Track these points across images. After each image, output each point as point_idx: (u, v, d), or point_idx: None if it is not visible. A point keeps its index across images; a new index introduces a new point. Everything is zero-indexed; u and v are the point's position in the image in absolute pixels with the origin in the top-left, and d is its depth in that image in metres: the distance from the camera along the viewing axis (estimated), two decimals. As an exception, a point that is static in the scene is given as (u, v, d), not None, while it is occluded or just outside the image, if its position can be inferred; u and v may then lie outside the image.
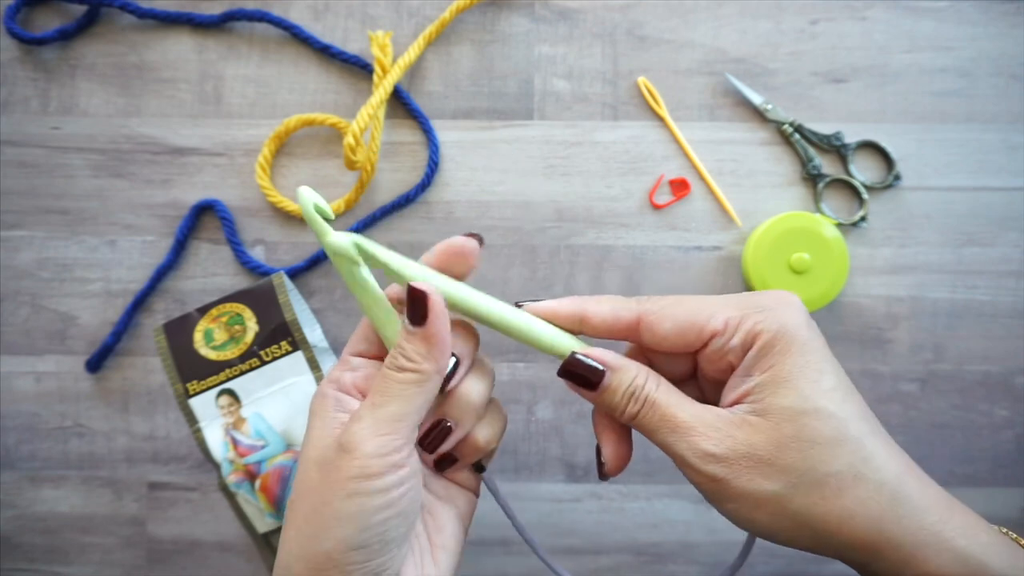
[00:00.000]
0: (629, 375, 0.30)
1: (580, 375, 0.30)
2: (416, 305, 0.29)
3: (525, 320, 0.31)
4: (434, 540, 0.32)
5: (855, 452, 0.27)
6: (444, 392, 0.31)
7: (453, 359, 0.31)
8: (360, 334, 0.32)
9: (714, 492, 0.28)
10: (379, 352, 0.32)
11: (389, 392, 0.29)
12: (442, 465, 0.32)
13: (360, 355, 0.32)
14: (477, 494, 0.35)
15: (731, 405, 0.29)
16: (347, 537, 0.27)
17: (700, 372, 0.32)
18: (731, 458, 0.28)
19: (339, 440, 0.28)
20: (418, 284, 0.29)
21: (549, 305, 0.32)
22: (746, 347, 0.29)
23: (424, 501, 0.32)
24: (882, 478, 0.27)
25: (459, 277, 0.32)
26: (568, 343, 0.32)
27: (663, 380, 0.30)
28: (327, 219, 0.30)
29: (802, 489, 0.27)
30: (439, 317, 0.29)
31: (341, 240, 0.30)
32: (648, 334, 0.30)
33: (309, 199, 0.30)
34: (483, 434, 0.32)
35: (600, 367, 0.30)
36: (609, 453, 0.32)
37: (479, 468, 0.34)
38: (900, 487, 0.27)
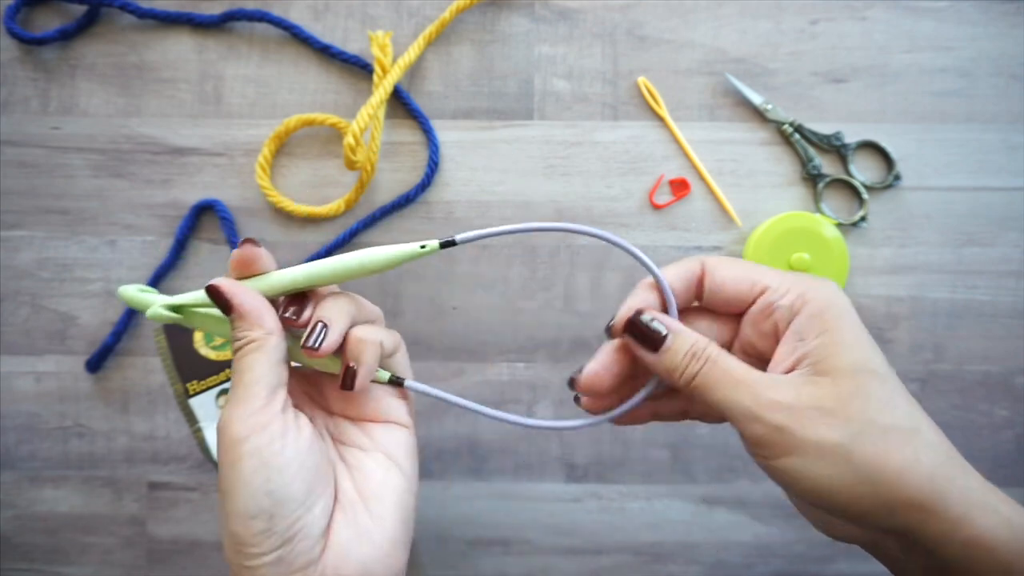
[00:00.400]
0: (691, 338, 0.31)
1: (644, 336, 0.31)
2: (215, 297, 0.31)
3: (345, 260, 0.32)
4: (364, 492, 0.32)
5: (910, 413, 0.29)
6: (305, 318, 0.32)
7: (293, 307, 0.32)
8: None
9: (776, 444, 0.29)
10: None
11: (237, 371, 0.30)
12: (347, 381, 0.32)
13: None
14: (409, 428, 0.34)
15: (786, 372, 0.30)
16: (239, 509, 0.28)
17: (741, 341, 0.33)
18: (797, 407, 0.28)
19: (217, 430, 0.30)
20: (210, 283, 0.31)
21: (632, 305, 0.32)
22: (794, 311, 0.30)
23: (345, 457, 0.33)
24: (935, 438, 0.28)
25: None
26: (389, 251, 0.32)
27: (722, 349, 0.31)
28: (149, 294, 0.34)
29: (866, 438, 0.28)
30: (236, 293, 0.31)
31: (155, 311, 0.33)
32: (709, 279, 0.32)
33: (130, 294, 0.33)
34: (364, 330, 0.32)
35: (664, 330, 0.31)
36: (596, 365, 0.32)
37: (396, 383, 0.33)
38: (951, 450, 0.28)
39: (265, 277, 0.32)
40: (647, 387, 0.33)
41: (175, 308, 0.33)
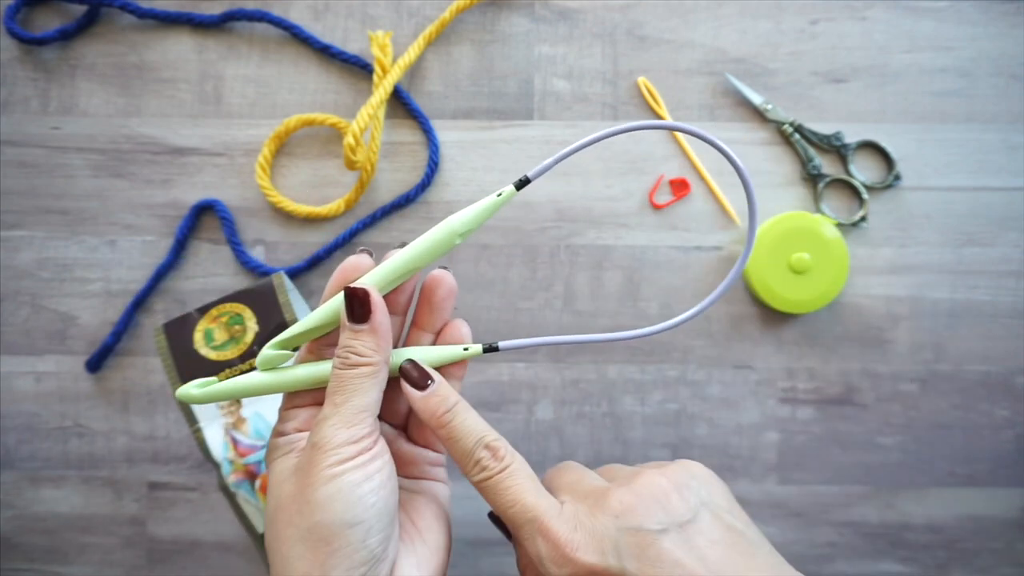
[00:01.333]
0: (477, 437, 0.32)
1: (412, 381, 0.32)
2: (358, 304, 0.31)
3: (434, 236, 0.32)
4: (419, 525, 0.33)
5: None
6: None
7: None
8: (288, 394, 0.34)
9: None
10: (310, 401, 0.34)
11: (347, 389, 0.30)
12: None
13: (295, 407, 0.34)
14: (446, 483, 0.36)
15: None
16: (336, 517, 0.28)
17: None
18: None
19: (310, 442, 0.30)
20: (355, 284, 0.31)
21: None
22: None
23: (402, 497, 0.34)
24: None
25: None
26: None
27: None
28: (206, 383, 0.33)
29: None
30: (381, 310, 0.31)
31: (199, 401, 0.33)
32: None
33: (196, 394, 0.33)
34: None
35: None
36: None
37: (492, 349, 0.34)
38: None
39: (371, 275, 0.32)
40: (718, 289, 0.33)
41: (281, 344, 0.33)
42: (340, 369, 0.31)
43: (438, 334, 0.35)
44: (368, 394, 0.30)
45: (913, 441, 0.51)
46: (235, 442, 0.43)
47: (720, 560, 0.28)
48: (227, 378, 0.43)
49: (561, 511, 0.30)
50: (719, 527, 0.29)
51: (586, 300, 0.51)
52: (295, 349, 0.34)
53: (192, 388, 0.33)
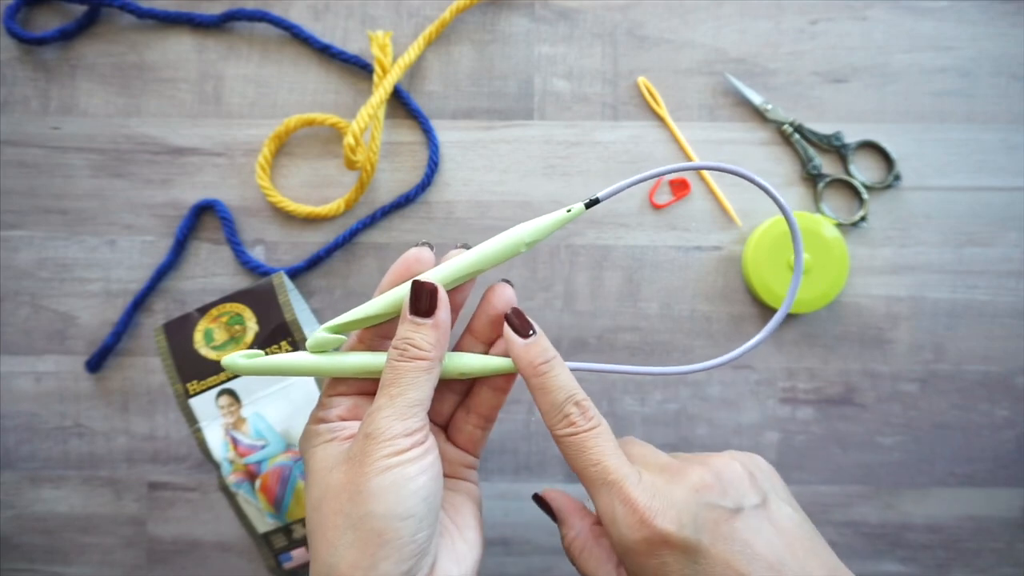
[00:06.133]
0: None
1: (516, 328, 0.33)
2: (425, 297, 0.31)
3: (501, 241, 0.33)
4: (457, 522, 0.33)
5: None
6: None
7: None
8: (332, 381, 0.34)
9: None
10: (355, 390, 0.34)
11: (403, 381, 0.30)
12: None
13: (339, 395, 0.34)
14: (478, 486, 0.36)
15: None
16: (390, 509, 0.28)
17: None
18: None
19: (363, 431, 0.30)
20: (423, 278, 0.31)
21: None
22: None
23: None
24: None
25: None
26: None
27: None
28: (250, 355, 0.33)
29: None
30: (445, 307, 0.31)
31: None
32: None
33: (242, 364, 0.32)
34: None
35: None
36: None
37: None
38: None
39: (435, 271, 0.32)
40: (772, 322, 0.33)
41: (336, 329, 0.32)
42: (397, 361, 0.31)
43: (490, 344, 0.35)
44: (422, 388, 0.30)
45: (913, 441, 0.51)
46: (235, 442, 0.43)
47: (785, 547, 0.30)
48: (228, 378, 0.43)
49: (640, 478, 0.31)
50: (784, 516, 0.31)
51: (586, 300, 0.51)
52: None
53: (238, 357, 0.32)
